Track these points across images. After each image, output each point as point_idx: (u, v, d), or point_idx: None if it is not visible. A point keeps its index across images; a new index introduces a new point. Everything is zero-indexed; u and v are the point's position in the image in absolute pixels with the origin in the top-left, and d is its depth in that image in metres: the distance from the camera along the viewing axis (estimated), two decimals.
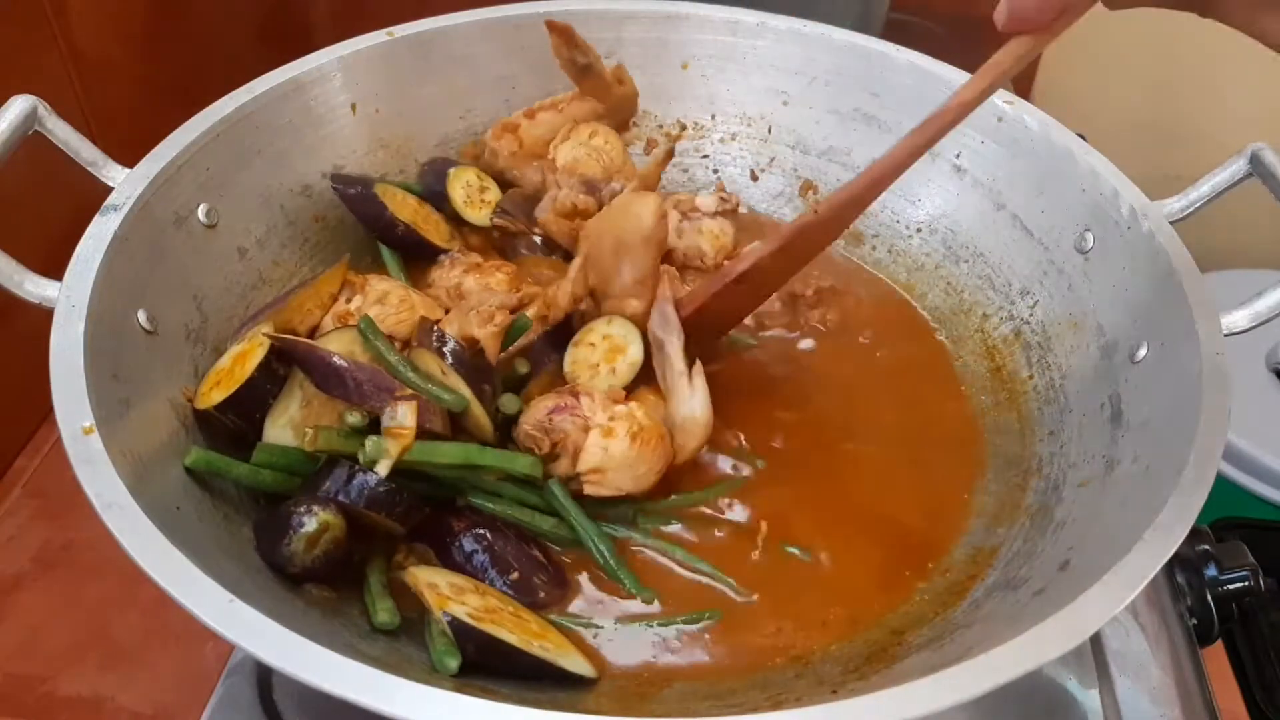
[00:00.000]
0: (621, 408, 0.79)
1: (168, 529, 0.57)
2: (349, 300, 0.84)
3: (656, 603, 0.74)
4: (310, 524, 0.68)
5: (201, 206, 0.84)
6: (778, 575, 0.77)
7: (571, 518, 0.76)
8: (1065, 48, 1.65)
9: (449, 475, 0.75)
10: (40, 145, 0.77)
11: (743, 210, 1.06)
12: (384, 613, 0.68)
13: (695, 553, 0.77)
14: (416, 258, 0.96)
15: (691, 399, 0.81)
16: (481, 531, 0.74)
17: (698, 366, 0.82)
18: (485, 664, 0.64)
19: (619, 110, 1.06)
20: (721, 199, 1.01)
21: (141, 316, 0.74)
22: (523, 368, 0.84)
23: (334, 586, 0.70)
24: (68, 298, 0.69)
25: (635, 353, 0.84)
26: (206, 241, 0.84)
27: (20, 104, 0.76)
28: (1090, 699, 0.79)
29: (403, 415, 0.70)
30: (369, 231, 0.96)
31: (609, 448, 0.77)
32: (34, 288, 0.70)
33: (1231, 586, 0.92)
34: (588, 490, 0.78)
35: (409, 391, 0.72)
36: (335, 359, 0.72)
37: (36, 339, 0.66)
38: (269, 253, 0.91)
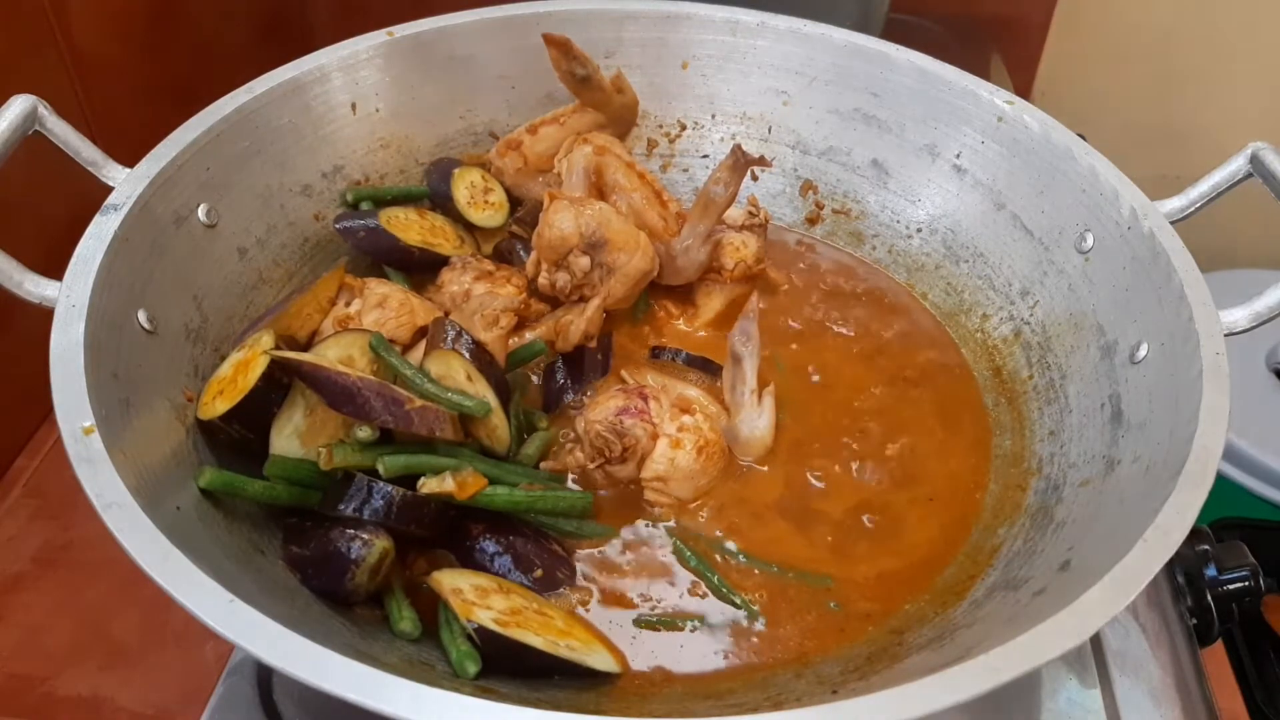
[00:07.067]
0: (689, 419, 0.80)
1: (168, 529, 0.57)
2: (348, 304, 0.84)
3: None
4: (371, 554, 0.67)
5: (201, 206, 0.84)
6: (782, 578, 0.77)
7: (687, 556, 0.77)
8: (1065, 48, 1.65)
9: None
10: (40, 145, 0.77)
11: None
12: (407, 621, 0.68)
13: (706, 559, 0.77)
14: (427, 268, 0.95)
15: (759, 419, 0.83)
16: (501, 532, 0.74)
17: (770, 388, 0.84)
18: (506, 665, 0.64)
19: (620, 120, 1.06)
20: (749, 213, 1.01)
21: (141, 316, 0.74)
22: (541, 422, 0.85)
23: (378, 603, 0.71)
24: (68, 297, 0.69)
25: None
26: (206, 241, 0.84)
27: (20, 104, 0.76)
28: (1090, 699, 0.79)
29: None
30: (385, 263, 0.95)
31: (676, 459, 0.78)
32: (34, 287, 0.70)
33: (1231, 586, 0.92)
34: (648, 495, 0.80)
35: (420, 403, 0.72)
36: (343, 377, 0.70)
37: (36, 339, 0.66)
38: (269, 253, 0.91)
